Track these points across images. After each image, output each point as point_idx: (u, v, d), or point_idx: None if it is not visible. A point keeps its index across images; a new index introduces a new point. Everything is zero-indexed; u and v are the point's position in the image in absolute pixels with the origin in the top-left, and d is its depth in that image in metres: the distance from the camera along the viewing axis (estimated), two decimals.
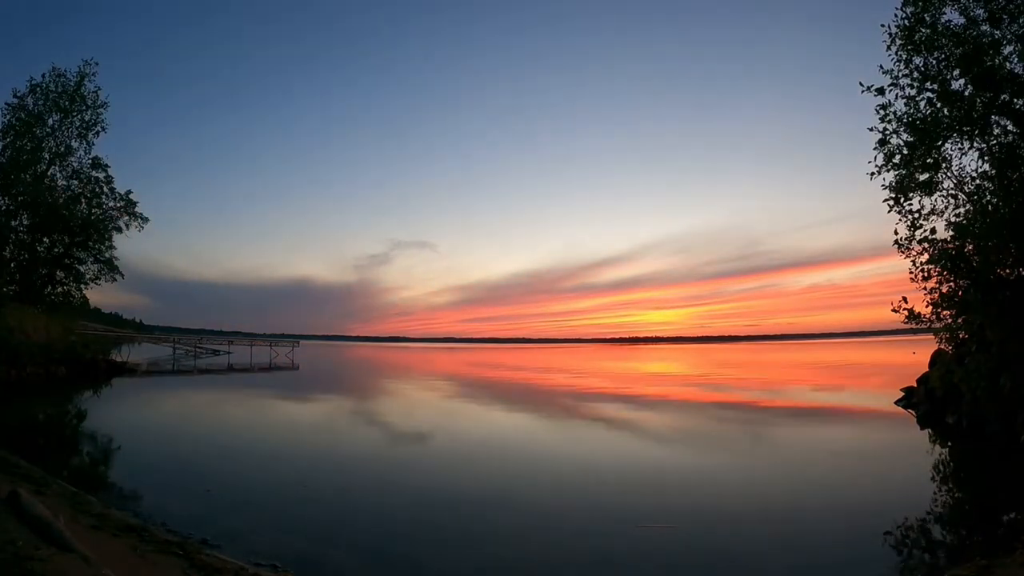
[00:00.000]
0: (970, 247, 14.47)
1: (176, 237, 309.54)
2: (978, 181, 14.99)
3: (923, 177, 15.40)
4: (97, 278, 33.27)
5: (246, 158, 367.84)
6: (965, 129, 14.72)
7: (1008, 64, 14.23)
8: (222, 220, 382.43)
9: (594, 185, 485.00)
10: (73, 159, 32.01)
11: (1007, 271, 14.23)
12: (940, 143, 15.05)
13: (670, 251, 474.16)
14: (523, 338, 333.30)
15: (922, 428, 14.65)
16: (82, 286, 33.51)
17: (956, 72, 14.58)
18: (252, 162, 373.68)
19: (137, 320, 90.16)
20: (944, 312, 15.23)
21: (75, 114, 31.48)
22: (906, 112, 15.20)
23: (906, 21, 15.02)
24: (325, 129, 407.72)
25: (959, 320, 15.24)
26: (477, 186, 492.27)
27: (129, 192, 33.24)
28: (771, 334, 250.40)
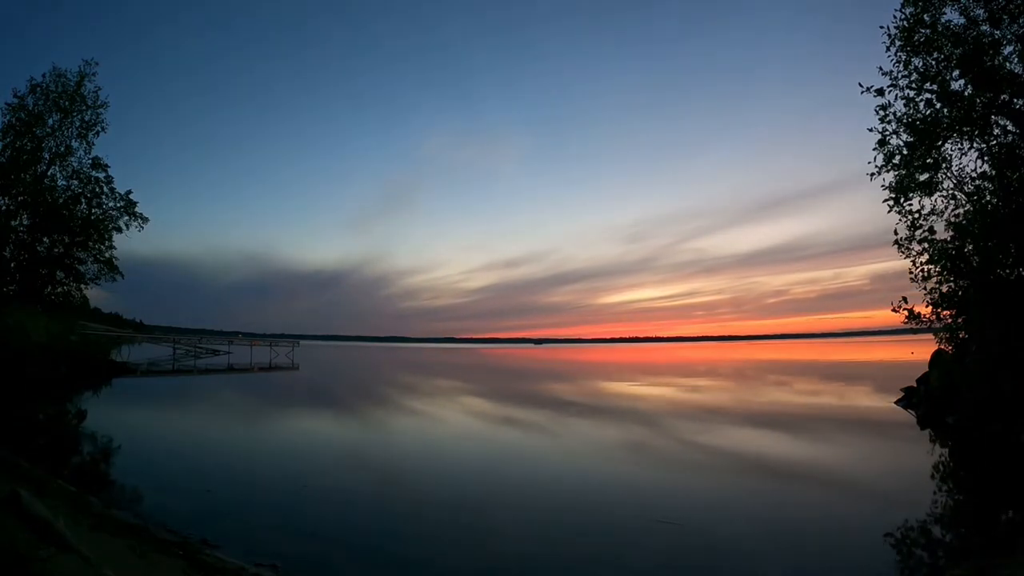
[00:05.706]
0: (970, 247, 14.48)
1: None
2: (978, 181, 15.01)
3: (923, 177, 15.44)
4: (97, 278, 33.28)
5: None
6: (965, 129, 14.74)
7: (1008, 64, 14.26)
8: (176, 177, 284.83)
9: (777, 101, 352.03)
10: (73, 159, 31.96)
11: (1007, 271, 14.24)
12: (940, 143, 15.08)
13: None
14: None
15: (922, 428, 14.64)
16: (82, 286, 33.53)
17: (956, 72, 14.61)
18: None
19: (137, 320, 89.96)
20: (944, 312, 15.24)
21: (75, 114, 31.42)
22: (906, 113, 15.23)
23: (905, 22, 15.05)
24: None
25: (959, 320, 15.26)
26: (568, 108, 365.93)
27: (129, 192, 33.22)
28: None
